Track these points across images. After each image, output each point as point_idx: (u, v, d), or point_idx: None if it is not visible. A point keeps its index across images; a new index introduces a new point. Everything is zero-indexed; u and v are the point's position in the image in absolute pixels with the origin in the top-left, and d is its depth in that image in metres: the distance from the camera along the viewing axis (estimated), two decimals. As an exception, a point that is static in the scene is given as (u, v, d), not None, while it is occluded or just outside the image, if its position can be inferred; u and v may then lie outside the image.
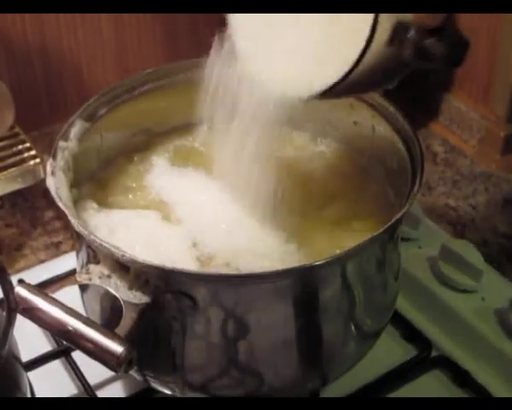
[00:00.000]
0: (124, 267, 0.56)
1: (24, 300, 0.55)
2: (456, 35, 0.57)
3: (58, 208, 0.60)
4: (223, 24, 0.65)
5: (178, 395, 0.63)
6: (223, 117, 0.65)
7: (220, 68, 0.64)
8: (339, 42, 0.55)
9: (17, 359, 0.61)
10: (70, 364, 0.72)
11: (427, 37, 0.55)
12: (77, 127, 0.68)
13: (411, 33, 0.54)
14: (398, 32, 0.54)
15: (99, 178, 0.71)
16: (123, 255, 0.55)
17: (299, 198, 0.68)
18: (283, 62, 0.59)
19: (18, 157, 0.89)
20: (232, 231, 0.65)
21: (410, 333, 0.76)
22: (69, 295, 0.60)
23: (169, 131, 0.75)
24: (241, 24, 0.61)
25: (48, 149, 0.66)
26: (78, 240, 0.65)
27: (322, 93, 0.57)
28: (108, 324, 0.58)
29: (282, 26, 0.58)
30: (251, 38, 0.61)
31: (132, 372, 0.63)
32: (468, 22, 1.02)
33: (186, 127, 0.76)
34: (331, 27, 0.56)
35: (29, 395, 0.63)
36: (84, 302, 0.66)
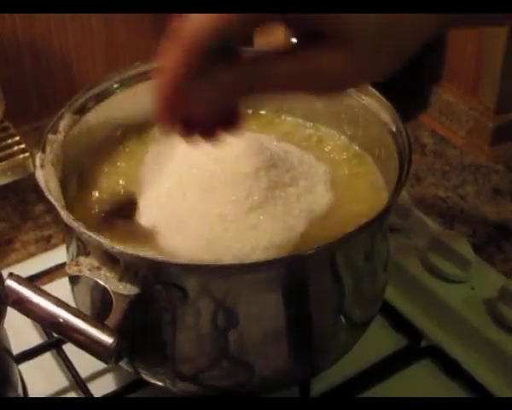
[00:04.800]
0: (113, 259, 0.56)
1: (14, 292, 0.55)
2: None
3: (48, 202, 0.60)
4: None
5: (169, 386, 0.63)
6: None
7: None
8: None
9: (8, 351, 0.61)
10: (61, 356, 0.72)
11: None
12: (66, 120, 0.68)
13: None
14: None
15: (89, 170, 0.71)
16: (112, 247, 0.55)
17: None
18: None
19: (7, 151, 0.89)
20: (224, 223, 0.65)
21: (400, 323, 0.77)
22: (59, 287, 0.60)
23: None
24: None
25: (37, 143, 0.66)
26: (67, 232, 0.65)
27: None
28: (98, 315, 0.58)
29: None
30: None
31: (123, 364, 0.63)
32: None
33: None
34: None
35: (20, 388, 0.63)
36: (74, 295, 0.66)
